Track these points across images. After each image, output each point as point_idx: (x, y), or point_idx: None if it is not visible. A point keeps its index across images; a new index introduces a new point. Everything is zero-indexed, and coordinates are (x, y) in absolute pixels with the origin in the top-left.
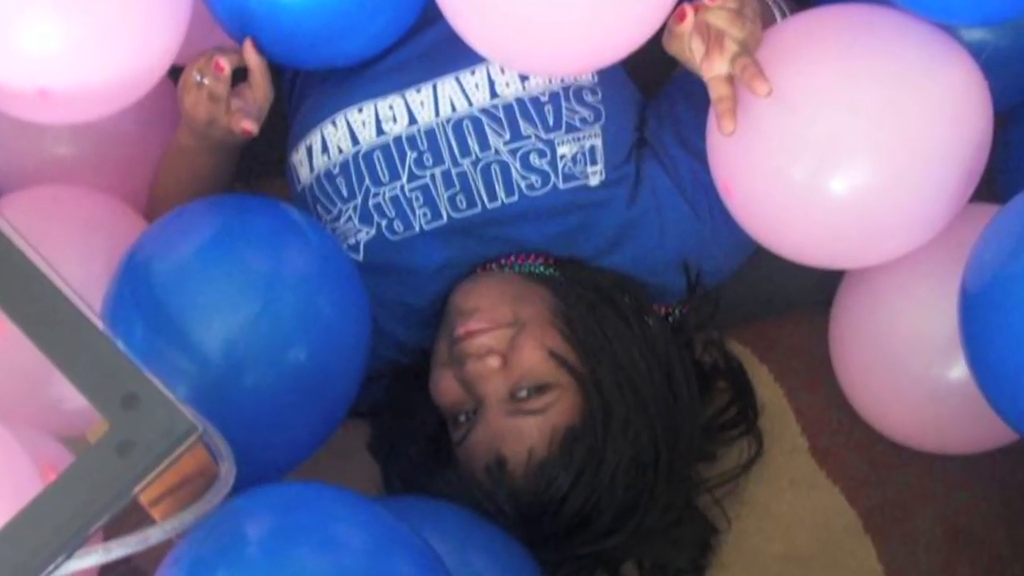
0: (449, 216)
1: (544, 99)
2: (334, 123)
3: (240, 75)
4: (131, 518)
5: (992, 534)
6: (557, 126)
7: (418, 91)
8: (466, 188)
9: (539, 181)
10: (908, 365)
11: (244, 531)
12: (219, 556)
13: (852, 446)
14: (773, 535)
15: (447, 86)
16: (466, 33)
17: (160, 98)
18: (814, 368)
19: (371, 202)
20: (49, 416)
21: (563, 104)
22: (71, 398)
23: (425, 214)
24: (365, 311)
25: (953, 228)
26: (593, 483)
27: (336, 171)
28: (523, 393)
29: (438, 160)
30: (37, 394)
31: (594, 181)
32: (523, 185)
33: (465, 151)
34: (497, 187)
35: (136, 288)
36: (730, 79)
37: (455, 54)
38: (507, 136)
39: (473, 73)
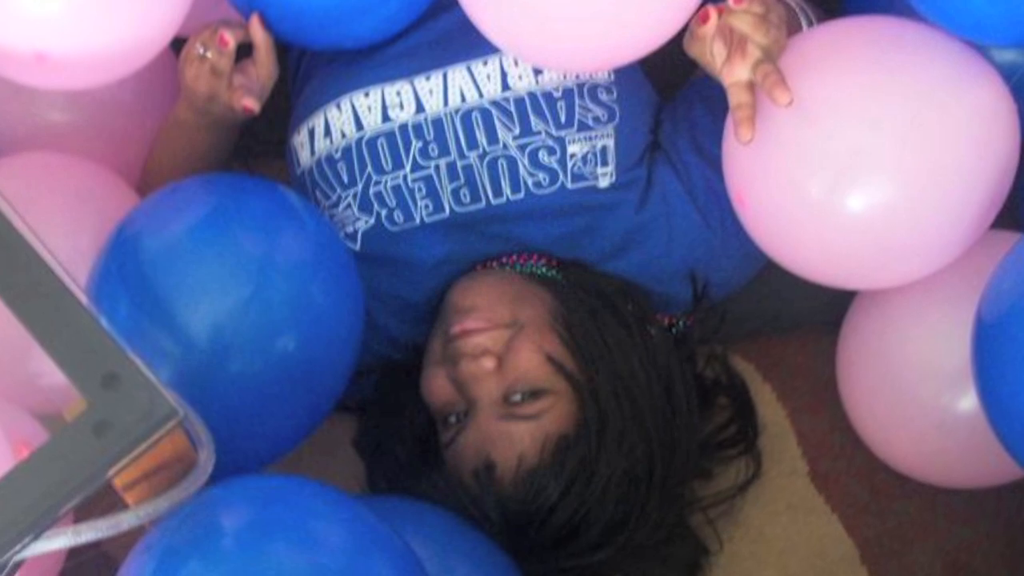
0: (451, 210)
1: (557, 95)
2: (339, 106)
3: (245, 51)
4: (103, 501)
5: (993, 572)
6: (569, 123)
7: (427, 78)
8: (471, 182)
9: (547, 179)
10: (916, 393)
11: (220, 522)
12: (192, 547)
13: (853, 473)
14: (766, 560)
15: (458, 75)
16: (481, 22)
17: (161, 70)
18: (819, 390)
19: (372, 190)
20: (25, 391)
21: (576, 101)
22: (49, 374)
23: (427, 206)
24: (359, 302)
25: (972, 254)
26: (583, 495)
27: (338, 156)
28: (517, 397)
29: (444, 151)
30: (14, 368)
31: (603, 183)
32: (530, 182)
33: (472, 143)
34: (503, 183)
35: (124, 264)
36: (751, 86)
37: (468, 43)
38: (517, 131)
39: (485, 63)
